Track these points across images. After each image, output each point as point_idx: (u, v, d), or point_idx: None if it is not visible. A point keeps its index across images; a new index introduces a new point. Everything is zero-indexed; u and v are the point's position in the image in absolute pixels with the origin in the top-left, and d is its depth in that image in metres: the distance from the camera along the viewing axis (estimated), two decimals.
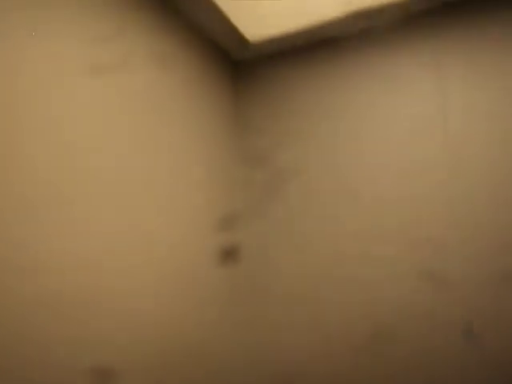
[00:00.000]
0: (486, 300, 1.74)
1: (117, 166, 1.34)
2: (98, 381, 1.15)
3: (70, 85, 1.28)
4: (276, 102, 2.26)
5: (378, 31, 2.05)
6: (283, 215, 1.94)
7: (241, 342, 1.59)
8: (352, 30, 2.13)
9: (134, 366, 1.24)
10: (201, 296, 1.44)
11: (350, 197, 1.92)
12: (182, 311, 1.41)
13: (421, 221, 1.84)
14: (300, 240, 1.87)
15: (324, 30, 2.14)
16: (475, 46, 1.88)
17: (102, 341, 1.18)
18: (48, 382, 1.07)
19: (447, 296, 1.78)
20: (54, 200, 1.17)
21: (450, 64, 1.89)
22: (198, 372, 1.39)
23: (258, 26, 2.12)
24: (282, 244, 1.89)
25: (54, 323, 1.11)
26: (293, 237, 1.88)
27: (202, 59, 2.10)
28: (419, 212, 1.84)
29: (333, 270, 1.81)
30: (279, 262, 1.82)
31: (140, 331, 1.28)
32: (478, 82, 1.83)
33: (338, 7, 1.99)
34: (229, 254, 1.53)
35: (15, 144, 1.11)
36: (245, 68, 2.43)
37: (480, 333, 1.69)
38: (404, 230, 1.85)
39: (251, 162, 2.14)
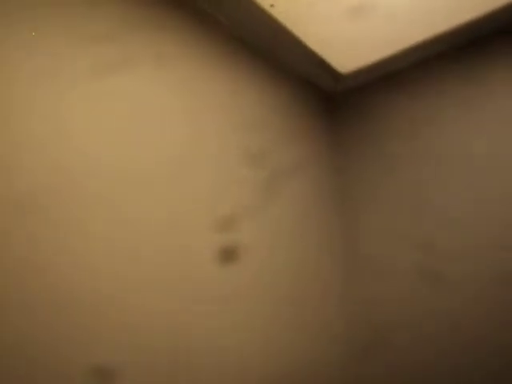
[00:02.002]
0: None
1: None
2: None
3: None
4: (374, 129, 2.20)
5: (470, 50, 2.00)
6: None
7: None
8: (438, 50, 2.09)
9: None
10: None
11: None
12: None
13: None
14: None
15: (414, 54, 2.09)
16: None
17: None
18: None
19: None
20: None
21: None
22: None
23: (348, 57, 2.08)
24: None
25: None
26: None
27: (295, 96, 2.12)
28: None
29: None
30: None
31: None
32: None
33: (425, 30, 1.95)
34: (229, 254, 1.54)
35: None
36: (339, 100, 2.39)
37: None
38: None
39: (351, 191, 2.18)
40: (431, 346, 1.82)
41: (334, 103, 2.42)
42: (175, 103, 1.54)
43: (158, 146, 1.45)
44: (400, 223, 2.02)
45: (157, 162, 1.44)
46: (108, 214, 1.28)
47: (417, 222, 1.98)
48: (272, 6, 1.72)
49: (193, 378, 1.34)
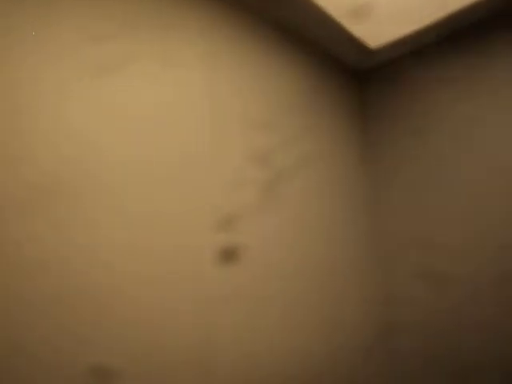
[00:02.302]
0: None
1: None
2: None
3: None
4: (402, 105, 2.16)
5: None
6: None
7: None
8: (470, 21, 1.98)
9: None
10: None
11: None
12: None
13: None
14: None
15: (443, 27, 2.02)
16: None
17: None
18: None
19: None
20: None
21: None
22: None
23: (377, 31, 2.03)
24: None
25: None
26: None
27: (323, 72, 2.11)
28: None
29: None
30: None
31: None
32: None
33: (454, 2, 1.85)
34: (229, 254, 1.53)
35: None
36: (367, 75, 2.35)
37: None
38: None
39: (379, 173, 2.16)
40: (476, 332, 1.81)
41: (363, 78, 2.38)
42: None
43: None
44: (427, 200, 2.01)
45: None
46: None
47: (442, 197, 1.96)
48: None
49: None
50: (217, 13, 1.72)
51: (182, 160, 1.50)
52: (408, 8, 1.89)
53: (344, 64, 2.28)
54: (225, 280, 1.50)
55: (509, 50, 1.86)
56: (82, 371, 1.13)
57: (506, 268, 1.72)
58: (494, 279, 1.74)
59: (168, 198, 1.43)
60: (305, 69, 2.01)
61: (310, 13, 1.86)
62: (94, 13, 1.35)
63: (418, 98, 2.12)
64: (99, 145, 1.29)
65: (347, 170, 2.11)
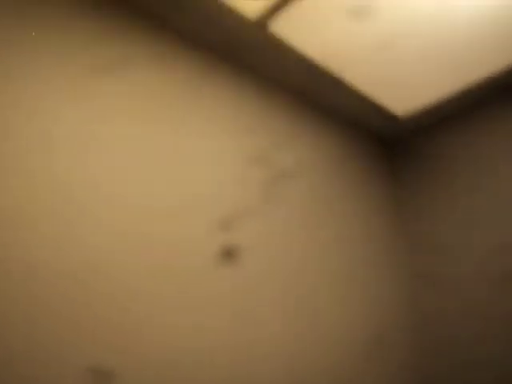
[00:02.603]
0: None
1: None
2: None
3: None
4: (436, 173, 2.15)
5: None
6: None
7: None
8: (500, 88, 2.00)
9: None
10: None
11: None
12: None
13: None
14: None
15: (472, 93, 2.03)
16: None
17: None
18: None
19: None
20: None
21: None
22: None
23: (405, 99, 2.03)
24: None
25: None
26: None
27: (351, 141, 2.16)
28: None
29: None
30: None
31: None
32: None
33: (484, 68, 1.85)
34: (229, 254, 1.52)
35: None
36: (396, 143, 2.35)
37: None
38: None
39: (411, 238, 2.17)
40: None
41: (391, 145, 2.39)
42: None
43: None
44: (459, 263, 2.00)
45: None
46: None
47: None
48: (323, 59, 1.76)
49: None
50: (244, 87, 1.77)
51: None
52: (435, 76, 1.89)
53: (372, 132, 2.31)
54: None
55: None
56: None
57: None
58: None
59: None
60: (333, 137, 2.05)
61: (337, 83, 1.90)
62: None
63: (447, 165, 2.11)
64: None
65: (381, 241, 2.12)
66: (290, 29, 1.62)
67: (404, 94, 1.99)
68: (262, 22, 1.59)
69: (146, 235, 1.35)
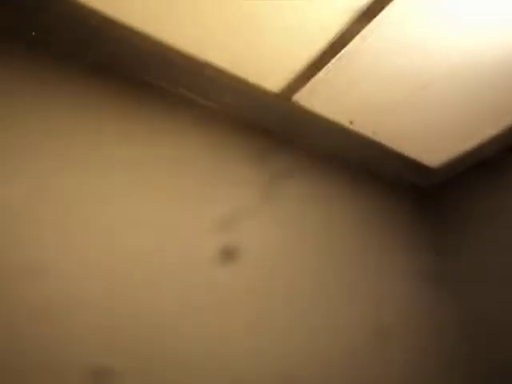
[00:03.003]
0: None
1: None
2: None
3: None
4: (474, 220, 2.12)
5: None
6: None
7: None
8: None
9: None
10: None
11: None
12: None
13: None
14: None
15: (504, 138, 2.00)
16: None
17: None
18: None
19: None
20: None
21: None
22: None
23: (435, 150, 2.04)
24: None
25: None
26: None
27: (387, 199, 2.18)
28: None
29: None
30: None
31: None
32: None
33: None
34: (229, 255, 1.51)
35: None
36: (433, 195, 2.34)
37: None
38: None
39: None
40: None
41: (428, 199, 2.36)
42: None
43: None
44: None
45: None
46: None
47: None
48: (351, 122, 1.79)
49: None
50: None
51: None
52: (463, 123, 1.89)
53: (406, 186, 2.33)
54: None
55: None
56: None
57: None
58: None
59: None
60: (367, 195, 2.08)
61: (368, 147, 1.94)
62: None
63: (484, 212, 2.08)
64: None
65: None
66: (316, 98, 1.63)
67: (437, 144, 2.00)
68: (286, 95, 1.58)
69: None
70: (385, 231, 2.08)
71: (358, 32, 1.38)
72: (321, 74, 1.52)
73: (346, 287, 1.83)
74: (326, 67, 1.50)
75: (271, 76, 1.53)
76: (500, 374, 1.89)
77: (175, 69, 1.47)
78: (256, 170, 1.70)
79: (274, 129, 1.79)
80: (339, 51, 1.44)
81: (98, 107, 1.41)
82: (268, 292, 1.58)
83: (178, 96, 1.59)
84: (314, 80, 1.54)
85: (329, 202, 1.92)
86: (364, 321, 1.81)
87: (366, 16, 1.34)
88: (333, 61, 1.48)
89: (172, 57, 1.41)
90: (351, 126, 1.80)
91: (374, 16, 1.35)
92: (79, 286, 1.18)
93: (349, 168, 2.08)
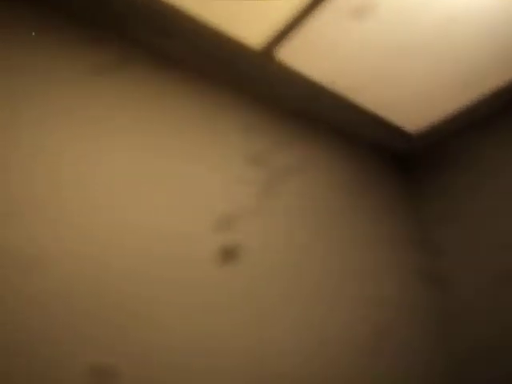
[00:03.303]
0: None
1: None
2: None
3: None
4: (453, 186, 2.14)
5: None
6: None
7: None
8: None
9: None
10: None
11: None
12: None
13: None
14: None
15: (489, 103, 2.00)
16: None
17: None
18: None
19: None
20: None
21: None
22: None
23: (415, 116, 2.04)
24: None
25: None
26: None
27: (366, 163, 2.17)
28: None
29: None
30: None
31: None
32: None
33: (497, 78, 1.83)
34: (229, 255, 1.52)
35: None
36: (412, 160, 2.35)
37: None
38: None
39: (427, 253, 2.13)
40: None
41: (408, 164, 2.39)
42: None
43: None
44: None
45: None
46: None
47: None
48: (334, 82, 1.78)
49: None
50: (255, 116, 1.79)
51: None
52: (443, 90, 1.89)
53: (386, 150, 2.33)
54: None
55: None
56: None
57: None
58: None
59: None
60: (347, 158, 2.07)
61: (348, 107, 1.93)
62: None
63: (465, 175, 2.10)
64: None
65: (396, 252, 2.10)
66: (297, 55, 1.61)
67: (415, 111, 2.00)
68: (267, 51, 1.56)
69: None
70: (365, 196, 2.07)
71: None
72: (304, 30, 1.50)
73: (336, 259, 1.85)
74: (308, 22, 1.47)
75: (253, 31, 1.50)
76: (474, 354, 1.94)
77: (159, 22, 1.44)
78: (244, 141, 1.71)
79: (253, 85, 1.76)
80: (320, 4, 1.42)
81: (95, 67, 1.41)
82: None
83: (164, 55, 1.58)
84: (296, 36, 1.52)
85: (313, 167, 1.90)
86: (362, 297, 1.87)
87: None
88: (315, 15, 1.45)
89: (156, 9, 1.38)
90: (334, 87, 1.79)
91: None
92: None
93: (330, 131, 2.06)
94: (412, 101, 1.92)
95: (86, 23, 1.43)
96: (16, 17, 1.27)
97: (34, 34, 1.24)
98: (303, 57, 1.62)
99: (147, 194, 1.39)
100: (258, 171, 1.71)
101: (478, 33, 1.58)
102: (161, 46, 1.54)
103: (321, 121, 2.01)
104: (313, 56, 1.62)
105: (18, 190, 1.15)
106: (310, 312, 1.72)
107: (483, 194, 2.02)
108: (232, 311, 1.49)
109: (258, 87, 1.76)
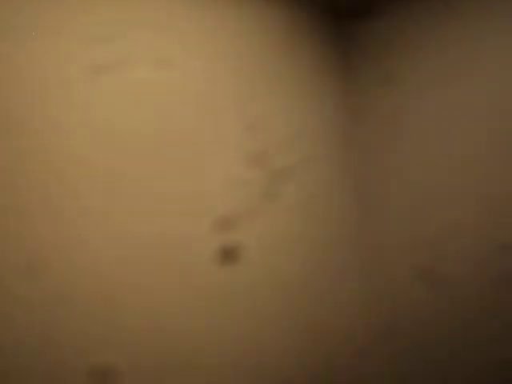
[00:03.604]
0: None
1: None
2: None
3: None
4: (384, 53, 2.00)
5: None
6: None
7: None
8: None
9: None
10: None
11: None
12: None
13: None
14: None
15: None
16: None
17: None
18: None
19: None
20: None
21: None
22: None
23: None
24: None
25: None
26: None
27: (298, 15, 1.96)
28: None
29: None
30: None
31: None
32: None
33: None
34: (229, 255, 1.52)
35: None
36: (353, 19, 2.12)
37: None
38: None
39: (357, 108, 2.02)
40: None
41: (342, 23, 2.15)
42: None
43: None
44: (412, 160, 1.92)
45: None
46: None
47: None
48: None
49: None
50: None
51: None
52: None
53: (327, 5, 2.09)
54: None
55: None
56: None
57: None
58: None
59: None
60: (281, 10, 1.89)
61: None
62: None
63: (401, 46, 1.98)
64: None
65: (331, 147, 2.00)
66: None
67: None
68: None
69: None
70: (294, 51, 1.92)
71: None
72: None
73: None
74: None
75: None
76: None
77: None
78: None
79: None
80: None
81: None
82: None
83: None
84: None
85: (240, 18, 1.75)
86: None
87: None
88: None
89: None
90: None
91: None
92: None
93: None
94: None
95: None
96: None
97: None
98: None
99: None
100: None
101: None
102: None
103: None
104: None
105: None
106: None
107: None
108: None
109: None
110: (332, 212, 1.90)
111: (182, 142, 1.51)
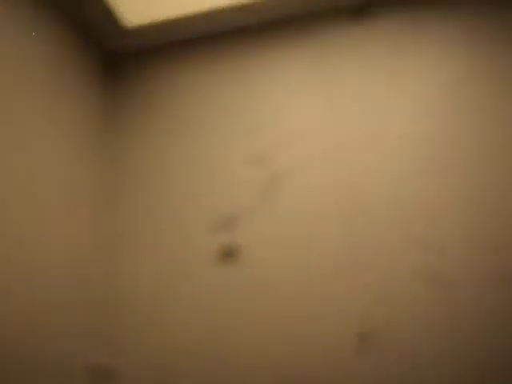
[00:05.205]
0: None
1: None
2: None
3: None
4: (154, 101, 1.83)
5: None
6: None
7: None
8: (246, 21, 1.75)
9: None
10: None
11: None
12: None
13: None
14: None
15: (218, 18, 1.72)
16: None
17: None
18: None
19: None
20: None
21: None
22: None
23: (140, 9, 1.63)
24: None
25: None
26: None
27: (69, 46, 1.67)
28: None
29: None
30: None
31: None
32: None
33: None
34: (229, 255, 1.53)
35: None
36: (120, 59, 1.92)
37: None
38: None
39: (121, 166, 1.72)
40: None
41: (114, 61, 1.94)
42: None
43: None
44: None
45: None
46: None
47: None
48: None
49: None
50: None
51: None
52: None
53: (96, 39, 1.81)
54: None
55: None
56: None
57: None
58: None
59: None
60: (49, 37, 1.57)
61: None
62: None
63: (164, 96, 1.82)
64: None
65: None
66: None
67: (140, 4, 1.61)
68: None
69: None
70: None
71: None
72: None
73: None
74: None
75: None
76: None
77: None
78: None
79: None
80: None
81: None
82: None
83: None
84: None
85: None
86: None
87: None
88: None
89: None
90: None
91: None
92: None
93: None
94: None
95: None
96: None
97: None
98: None
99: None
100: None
101: None
102: None
103: None
104: None
105: None
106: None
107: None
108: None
109: None
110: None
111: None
